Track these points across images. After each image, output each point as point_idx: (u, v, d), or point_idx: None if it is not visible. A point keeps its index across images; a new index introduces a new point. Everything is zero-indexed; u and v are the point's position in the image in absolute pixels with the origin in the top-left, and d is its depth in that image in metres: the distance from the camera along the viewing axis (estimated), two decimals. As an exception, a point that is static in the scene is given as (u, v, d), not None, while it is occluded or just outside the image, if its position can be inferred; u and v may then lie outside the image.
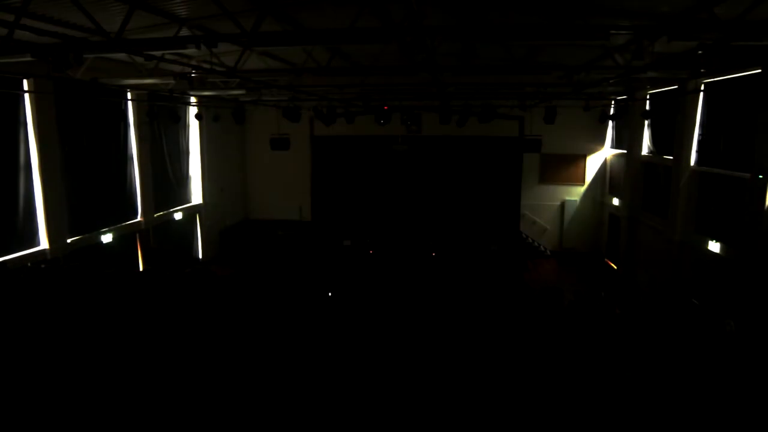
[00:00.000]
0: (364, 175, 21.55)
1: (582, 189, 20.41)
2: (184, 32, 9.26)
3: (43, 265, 10.10)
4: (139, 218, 15.31)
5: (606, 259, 19.60)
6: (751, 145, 10.23)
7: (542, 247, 20.24)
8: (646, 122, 15.94)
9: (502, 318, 6.13)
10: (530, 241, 20.15)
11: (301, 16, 9.43)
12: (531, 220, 20.66)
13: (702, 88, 12.17)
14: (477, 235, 19.59)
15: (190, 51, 9.34)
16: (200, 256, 18.91)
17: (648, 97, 15.35)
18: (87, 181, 13.20)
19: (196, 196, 18.82)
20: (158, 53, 9.36)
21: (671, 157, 13.84)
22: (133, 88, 13.50)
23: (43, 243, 11.70)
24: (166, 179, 16.81)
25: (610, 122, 18.03)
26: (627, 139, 17.31)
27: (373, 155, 21.29)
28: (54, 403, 3.90)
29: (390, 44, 8.11)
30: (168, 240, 16.73)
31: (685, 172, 13.18)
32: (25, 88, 10.94)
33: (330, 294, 7.92)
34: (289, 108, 15.63)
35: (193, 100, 15.72)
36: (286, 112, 15.68)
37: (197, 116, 16.52)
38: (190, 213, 18.29)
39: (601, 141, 20.01)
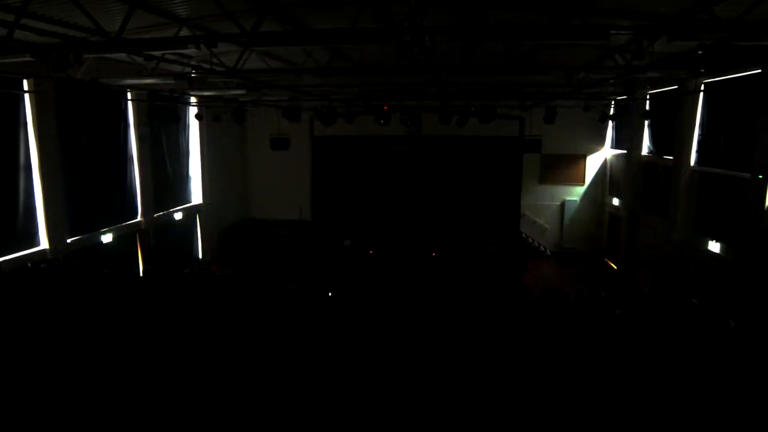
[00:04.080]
0: (364, 176, 21.55)
1: (582, 189, 20.42)
2: (184, 32, 9.27)
3: (43, 265, 10.09)
4: (139, 218, 15.31)
5: (606, 259, 19.60)
6: (751, 145, 10.23)
7: (542, 247, 20.25)
8: (646, 122, 15.94)
9: (501, 318, 6.13)
10: (530, 241, 20.16)
11: (301, 16, 9.43)
12: (531, 220, 20.66)
13: (702, 88, 12.17)
14: (477, 235, 19.60)
15: (191, 51, 9.33)
16: (200, 256, 18.92)
17: (648, 97, 15.35)
18: (87, 181, 13.19)
19: (196, 196, 18.82)
20: (158, 53, 9.37)
21: (671, 157, 13.85)
22: (133, 88, 13.50)
23: (43, 243, 11.70)
24: (166, 179, 16.80)
25: (610, 122, 18.02)
26: (627, 139, 17.32)
27: (373, 155, 21.30)
28: (53, 404, 3.90)
29: (390, 44, 8.10)
30: (168, 240, 16.73)
31: (685, 172, 13.18)
32: (25, 88, 10.93)
33: (330, 294, 7.91)
34: (289, 108, 15.64)
35: (193, 100, 15.72)
36: (286, 112, 15.69)
37: (197, 116, 16.52)
38: (190, 213, 18.29)
39: (601, 141, 20.01)
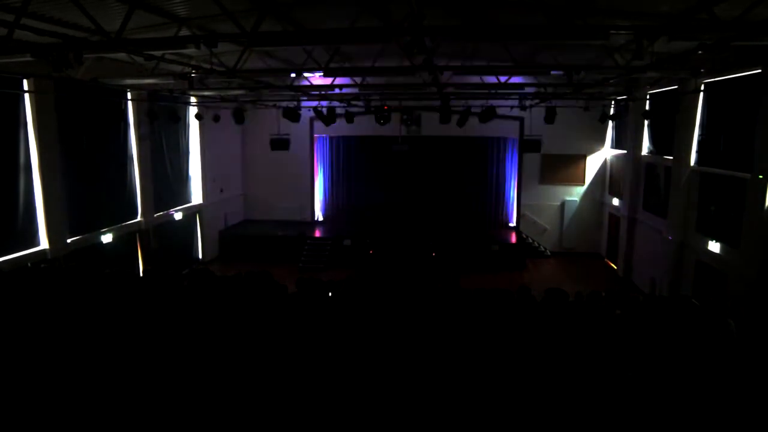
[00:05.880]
0: (364, 176, 21.57)
1: (582, 189, 20.42)
2: (184, 32, 9.27)
3: (43, 265, 10.09)
4: (139, 218, 15.31)
5: (606, 259, 19.61)
6: (751, 145, 10.23)
7: (542, 247, 20.26)
8: (646, 122, 15.94)
9: (501, 318, 6.13)
10: (530, 241, 20.16)
11: (301, 16, 9.44)
12: (531, 220, 20.67)
13: (702, 88, 12.17)
14: (477, 235, 19.61)
15: (190, 51, 9.33)
16: (200, 256, 18.92)
17: (648, 97, 15.35)
18: (87, 181, 13.19)
19: (196, 196, 18.82)
20: (158, 53, 9.37)
21: (671, 157, 13.85)
22: (133, 88, 13.50)
23: (43, 243, 11.69)
24: (166, 179, 16.81)
25: (610, 122, 18.03)
26: (627, 139, 17.32)
27: (373, 155, 21.32)
28: (54, 404, 3.90)
29: (390, 44, 8.10)
30: (168, 240, 16.72)
31: (685, 172, 13.18)
32: (25, 88, 10.93)
33: (330, 294, 7.91)
34: (289, 108, 15.64)
35: (193, 100, 15.73)
36: (286, 112, 15.69)
37: (197, 116, 16.52)
38: (190, 213, 18.28)
39: (601, 141, 20.02)
